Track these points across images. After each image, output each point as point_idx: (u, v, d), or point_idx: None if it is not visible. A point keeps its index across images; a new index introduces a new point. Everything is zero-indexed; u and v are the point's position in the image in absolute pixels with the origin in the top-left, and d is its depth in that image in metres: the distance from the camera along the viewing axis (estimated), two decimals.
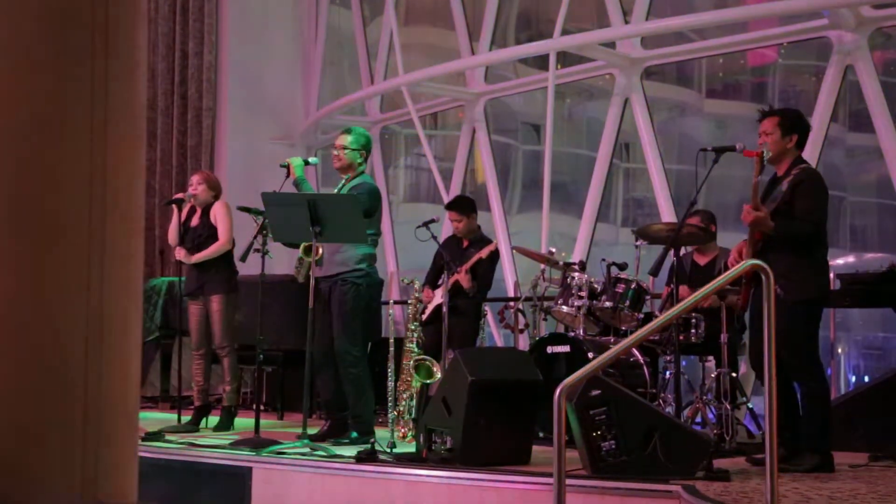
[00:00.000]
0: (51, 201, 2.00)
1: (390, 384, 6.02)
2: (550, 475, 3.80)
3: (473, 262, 6.91)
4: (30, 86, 1.99)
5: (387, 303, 8.72)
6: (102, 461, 2.01)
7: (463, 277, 6.82)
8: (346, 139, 6.04)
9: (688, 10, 9.75)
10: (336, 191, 6.05)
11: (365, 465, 4.96)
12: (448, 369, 5.35)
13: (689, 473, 4.37)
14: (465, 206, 7.17)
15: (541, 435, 5.66)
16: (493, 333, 8.83)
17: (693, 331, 5.95)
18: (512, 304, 7.40)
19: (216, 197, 6.82)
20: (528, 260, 7.09)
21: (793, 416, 4.76)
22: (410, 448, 5.48)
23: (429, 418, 5.20)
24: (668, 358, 6.09)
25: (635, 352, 6.07)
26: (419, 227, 6.63)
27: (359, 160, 6.03)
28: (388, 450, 5.21)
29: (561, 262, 6.54)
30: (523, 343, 7.17)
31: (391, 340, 6.08)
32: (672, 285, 6.00)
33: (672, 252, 5.58)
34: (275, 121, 11.49)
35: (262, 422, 6.02)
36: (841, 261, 10.28)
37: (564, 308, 6.27)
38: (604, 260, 6.26)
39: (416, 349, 6.36)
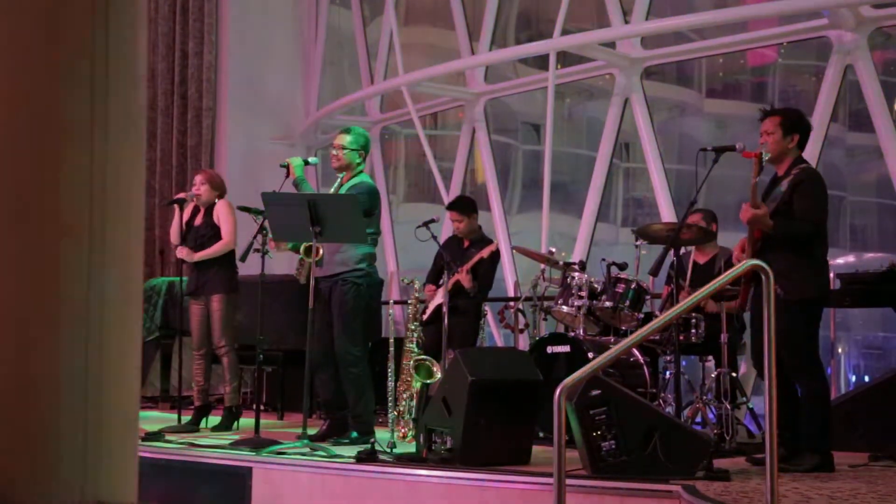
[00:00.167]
0: (51, 201, 2.00)
1: (390, 384, 6.02)
2: (550, 475, 3.80)
3: (474, 262, 6.91)
4: (30, 86, 1.99)
5: (387, 303, 8.73)
6: (102, 461, 2.01)
7: (464, 277, 6.83)
8: (345, 139, 6.04)
9: (688, 9, 9.75)
10: (333, 190, 6.05)
11: (365, 465, 4.96)
12: (448, 369, 5.35)
13: (689, 473, 4.37)
14: (466, 206, 7.17)
15: (541, 435, 5.66)
16: (493, 333, 8.83)
17: (693, 331, 5.95)
18: (512, 303, 7.40)
19: (220, 196, 6.82)
20: (528, 260, 7.09)
21: (793, 415, 4.76)
22: (410, 448, 5.48)
23: (429, 418, 5.20)
24: (669, 358, 6.09)
25: (635, 352, 6.07)
26: (419, 227, 6.63)
27: (357, 160, 6.03)
28: (388, 450, 5.22)
29: (561, 262, 6.54)
30: (523, 343, 7.17)
31: (391, 340, 6.08)
32: (672, 285, 6.00)
33: (672, 252, 5.58)
34: (275, 121, 11.49)
35: (262, 422, 6.02)
36: (841, 260, 10.29)
37: (564, 308, 6.27)
38: (604, 260, 6.26)
39: (416, 349, 6.36)
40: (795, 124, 4.91)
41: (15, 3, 1.96)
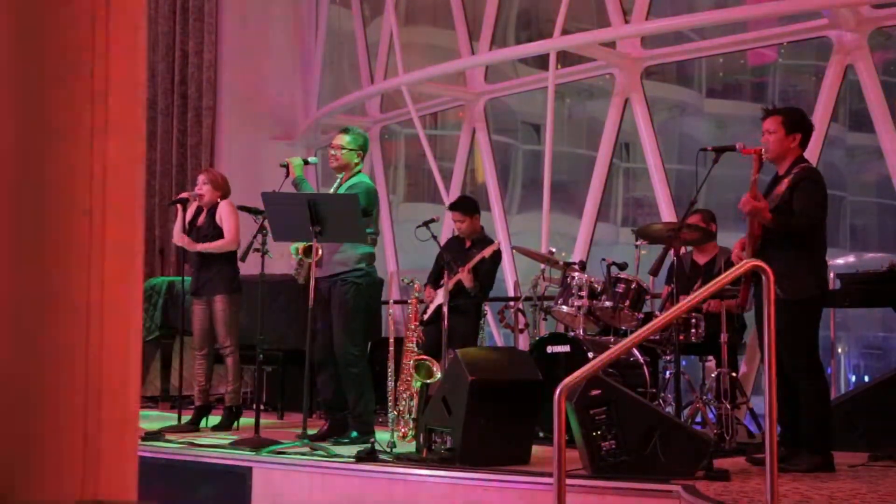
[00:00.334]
0: (50, 201, 2.00)
1: (390, 384, 6.02)
2: (550, 475, 3.80)
3: (476, 262, 6.91)
4: (29, 86, 1.99)
5: (387, 303, 8.73)
6: (102, 461, 2.01)
7: (465, 277, 6.83)
8: (344, 139, 6.05)
9: (688, 9, 9.76)
10: (332, 190, 6.06)
11: (365, 464, 4.96)
12: (448, 369, 5.35)
13: (689, 473, 4.37)
14: (468, 206, 7.18)
15: (541, 435, 5.67)
16: (494, 333, 8.83)
17: (693, 331, 5.95)
18: (512, 303, 7.40)
19: (223, 197, 6.83)
20: (528, 260, 7.09)
21: (793, 415, 4.76)
22: (410, 448, 5.48)
23: (429, 418, 5.20)
24: (669, 358, 6.09)
25: (635, 352, 6.08)
26: (419, 226, 6.63)
27: (356, 160, 6.03)
28: (388, 450, 5.22)
29: (561, 262, 6.54)
30: (523, 343, 7.17)
31: (391, 340, 6.08)
32: (672, 285, 6.00)
33: (672, 252, 5.59)
34: (275, 120, 11.49)
35: (262, 422, 6.02)
36: (841, 260, 10.30)
37: (564, 308, 6.27)
38: (604, 260, 6.26)
39: (416, 349, 6.36)
40: (797, 123, 4.91)
41: (14, 3, 1.96)
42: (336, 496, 4.99)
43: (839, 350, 10.16)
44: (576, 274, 6.28)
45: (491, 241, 7.08)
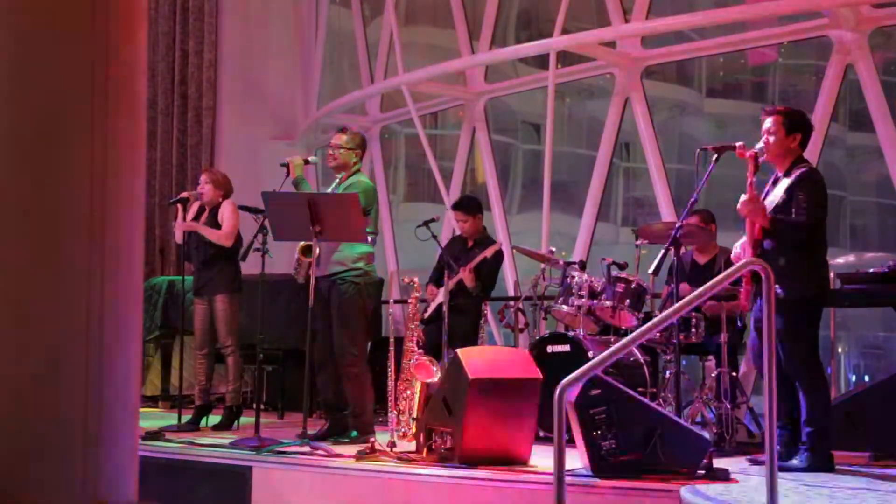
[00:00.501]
0: (51, 201, 2.00)
1: (390, 384, 6.02)
2: (550, 475, 3.80)
3: (478, 262, 6.91)
4: (30, 86, 1.99)
5: (387, 302, 8.72)
6: (102, 461, 2.01)
7: (467, 276, 6.82)
8: (342, 139, 6.07)
9: (688, 9, 9.75)
10: (331, 190, 6.07)
11: (365, 464, 4.96)
12: (448, 368, 5.35)
13: (689, 473, 4.37)
14: (471, 206, 7.17)
15: (541, 434, 5.66)
16: (494, 333, 8.83)
17: (693, 330, 5.95)
18: (512, 303, 7.40)
19: (225, 196, 6.83)
20: (528, 259, 7.09)
21: (794, 415, 4.75)
22: (410, 447, 5.48)
23: (429, 418, 5.20)
24: (669, 357, 6.09)
25: (635, 351, 6.07)
26: (419, 226, 6.62)
27: (353, 159, 6.04)
28: (388, 449, 5.21)
29: (561, 262, 6.54)
30: (524, 342, 7.17)
31: (391, 340, 6.08)
32: (672, 285, 6.00)
33: (672, 251, 5.58)
34: (275, 120, 11.49)
35: (262, 421, 6.02)
36: (841, 260, 10.29)
37: (565, 307, 6.27)
38: (604, 259, 6.26)
39: (416, 349, 6.36)
40: (797, 124, 4.91)
41: (16, 3, 1.96)
42: (336, 496, 4.99)
43: (839, 350, 10.16)
44: (576, 274, 6.28)
45: (493, 241, 7.08)
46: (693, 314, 5.93)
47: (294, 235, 5.81)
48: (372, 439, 5.36)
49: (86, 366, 1.99)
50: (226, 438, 5.99)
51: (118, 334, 2.04)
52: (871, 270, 5.93)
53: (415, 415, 6.04)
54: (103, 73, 2.02)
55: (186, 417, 6.75)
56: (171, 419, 6.94)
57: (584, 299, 6.16)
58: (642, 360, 6.07)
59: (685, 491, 4.02)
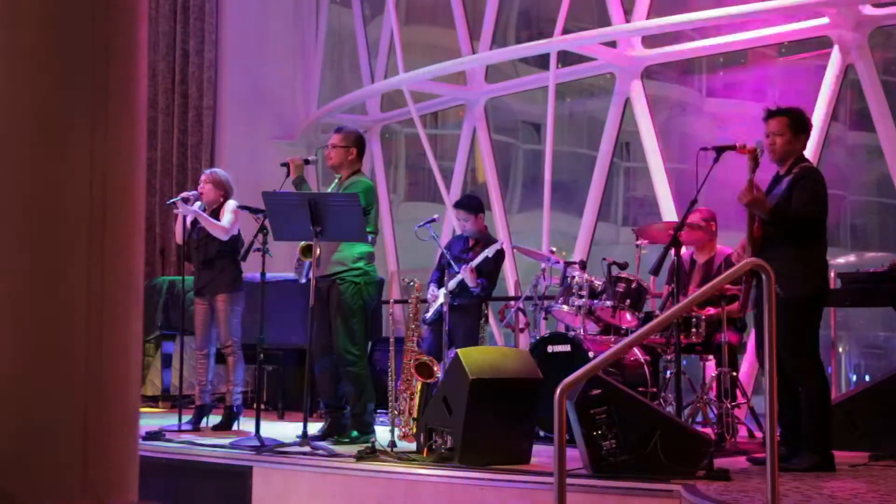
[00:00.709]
0: (51, 201, 2.00)
1: (390, 383, 6.02)
2: (550, 475, 3.80)
3: (479, 261, 6.91)
4: (30, 86, 1.99)
5: (387, 302, 8.72)
6: (102, 461, 2.01)
7: (468, 275, 6.82)
8: (336, 138, 6.08)
9: (688, 8, 9.74)
10: (332, 190, 6.07)
11: (365, 464, 4.96)
12: (448, 368, 5.35)
13: (689, 473, 4.37)
14: (472, 205, 7.17)
15: (541, 434, 5.66)
16: (494, 333, 8.83)
17: (694, 330, 5.95)
18: (512, 303, 7.40)
19: (225, 197, 6.83)
20: (528, 259, 7.09)
21: (794, 415, 4.75)
22: (411, 447, 5.48)
23: (429, 417, 5.20)
24: (669, 357, 6.08)
25: (636, 351, 6.07)
26: (420, 226, 6.62)
27: (349, 157, 6.03)
28: (389, 449, 5.21)
29: (561, 262, 6.54)
30: (524, 342, 7.16)
31: (391, 340, 6.07)
32: (672, 284, 5.99)
33: (672, 251, 5.58)
34: (275, 120, 11.49)
35: (263, 421, 6.02)
36: (842, 260, 10.29)
37: (565, 307, 6.27)
38: (604, 259, 6.26)
39: (416, 349, 6.36)
40: (803, 124, 4.92)
41: (16, 4, 1.96)
42: (336, 496, 4.99)
43: (840, 349, 10.15)
44: (576, 273, 6.28)
45: (494, 240, 7.08)
46: (694, 314, 5.92)
47: (294, 235, 5.81)
48: (372, 439, 5.36)
49: (86, 365, 1.99)
50: (226, 438, 5.99)
51: (118, 334, 2.04)
52: (872, 270, 5.93)
53: (415, 415, 6.05)
54: (103, 73, 2.02)
55: (187, 417, 6.75)
56: (171, 419, 6.94)
57: (584, 299, 6.15)
58: (643, 360, 6.07)
59: (685, 491, 4.02)
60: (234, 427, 6.71)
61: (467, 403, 4.89)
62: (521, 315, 6.94)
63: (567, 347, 6.03)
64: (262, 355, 6.11)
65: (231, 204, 6.74)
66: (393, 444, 5.32)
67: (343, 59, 12.23)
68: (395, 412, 5.96)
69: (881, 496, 3.95)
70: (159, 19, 11.11)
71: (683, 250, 6.38)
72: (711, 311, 5.92)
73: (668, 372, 6.10)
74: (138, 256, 2.17)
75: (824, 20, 7.45)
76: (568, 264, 6.44)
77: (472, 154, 10.14)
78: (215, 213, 6.76)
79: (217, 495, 5.34)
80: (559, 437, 3.17)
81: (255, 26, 11.40)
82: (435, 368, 6.11)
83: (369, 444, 5.19)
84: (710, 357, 6.17)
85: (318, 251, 5.74)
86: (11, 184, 1.99)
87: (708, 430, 5.49)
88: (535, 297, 6.70)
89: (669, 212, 8.13)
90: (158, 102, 10.97)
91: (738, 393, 5.94)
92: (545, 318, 6.73)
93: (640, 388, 5.79)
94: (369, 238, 5.85)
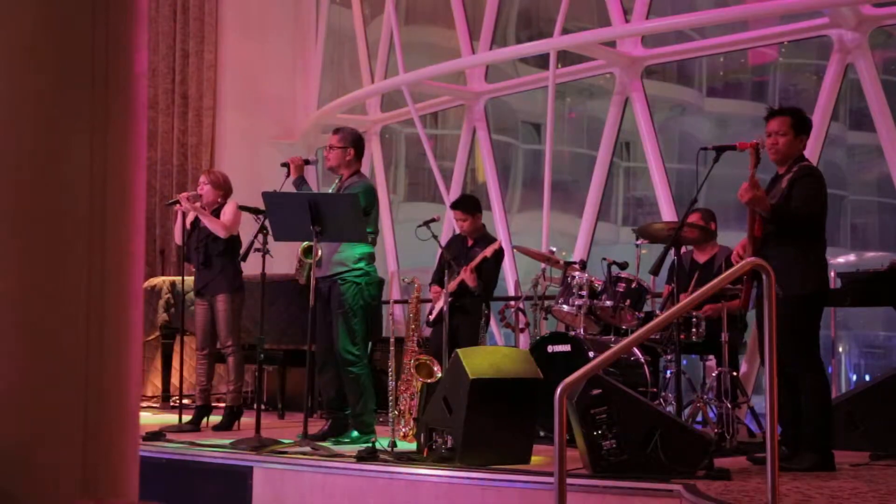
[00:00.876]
0: (51, 201, 2.00)
1: (391, 384, 6.02)
2: (551, 475, 3.80)
3: (479, 261, 6.91)
4: (30, 86, 1.99)
5: (387, 302, 8.72)
6: (102, 461, 2.01)
7: (468, 276, 6.83)
8: (333, 138, 6.08)
9: (688, 8, 9.75)
10: (332, 190, 6.06)
11: (365, 464, 4.96)
12: (449, 368, 5.35)
13: (689, 472, 4.37)
14: (470, 205, 7.17)
15: (541, 434, 5.66)
16: (494, 333, 8.83)
17: (694, 330, 5.95)
18: (513, 303, 7.40)
19: (225, 197, 6.83)
20: (528, 259, 7.09)
21: (794, 414, 4.75)
22: (411, 447, 5.48)
23: (429, 417, 5.20)
24: (669, 357, 6.08)
25: (636, 351, 6.08)
26: (420, 226, 6.62)
27: (348, 157, 6.03)
28: (389, 449, 5.21)
29: (561, 262, 6.54)
30: (524, 342, 7.16)
31: (391, 340, 6.08)
32: (672, 284, 6.00)
33: (672, 251, 5.59)
34: (275, 120, 11.49)
35: (263, 421, 6.02)
36: (842, 259, 10.30)
37: (565, 307, 6.27)
38: (604, 259, 6.26)
39: (416, 348, 6.36)
40: (804, 124, 4.92)
41: (16, 4, 1.96)
42: (336, 496, 4.99)
43: (840, 349, 10.16)
44: (576, 273, 6.28)
45: (493, 240, 7.08)
46: (694, 314, 5.93)
47: (294, 236, 5.81)
48: (372, 439, 5.36)
49: (86, 366, 1.99)
50: (226, 438, 5.99)
51: (118, 334, 2.04)
52: (872, 269, 5.93)
53: (415, 415, 6.04)
54: (103, 73, 2.02)
55: (187, 418, 6.75)
56: (171, 419, 6.94)
57: (584, 299, 6.15)
58: (643, 360, 6.07)
59: (685, 491, 4.02)
60: (234, 427, 6.72)
61: (467, 403, 4.89)
62: (520, 315, 6.95)
63: (567, 347, 6.03)
64: (262, 355, 6.11)
65: (231, 205, 6.75)
66: (393, 444, 5.32)
67: (343, 59, 12.23)
68: (396, 412, 5.96)
69: (881, 496, 3.95)
70: (159, 19, 11.10)
71: (683, 250, 6.39)
72: (709, 308, 5.91)
73: (669, 371, 6.10)
74: (138, 257, 2.17)
75: (824, 20, 7.45)
76: (568, 264, 6.45)
77: (472, 154, 10.14)
78: (215, 214, 6.76)
79: (217, 495, 5.34)
80: (559, 437, 3.17)
81: (255, 27, 11.40)
82: (435, 368, 6.11)
83: (370, 445, 5.18)
84: (711, 357, 6.17)
85: (319, 252, 5.74)
86: (11, 184, 1.99)
87: (708, 430, 5.50)
88: (535, 297, 6.70)
89: (669, 212, 8.13)
90: (158, 102, 10.97)
91: (738, 392, 5.94)
92: (545, 318, 6.73)
93: (641, 388, 5.79)
94: (370, 238, 5.85)
